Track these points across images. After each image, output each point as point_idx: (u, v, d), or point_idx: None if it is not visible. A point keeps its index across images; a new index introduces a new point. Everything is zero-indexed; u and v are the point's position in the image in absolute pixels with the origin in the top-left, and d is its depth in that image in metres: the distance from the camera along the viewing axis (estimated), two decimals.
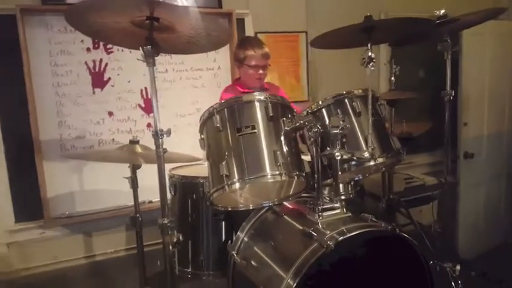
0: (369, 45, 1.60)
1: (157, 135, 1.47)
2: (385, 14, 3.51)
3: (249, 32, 3.08)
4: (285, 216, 1.73)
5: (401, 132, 2.36)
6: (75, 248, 2.77)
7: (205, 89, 3.00)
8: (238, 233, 1.83)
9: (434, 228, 3.47)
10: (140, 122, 2.83)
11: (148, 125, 2.86)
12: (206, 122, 1.70)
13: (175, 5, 1.41)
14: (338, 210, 1.59)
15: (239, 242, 1.79)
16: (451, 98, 1.96)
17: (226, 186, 1.53)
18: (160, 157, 1.48)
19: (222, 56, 3.02)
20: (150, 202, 2.77)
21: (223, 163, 1.55)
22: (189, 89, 2.95)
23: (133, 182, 2.00)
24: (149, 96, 2.83)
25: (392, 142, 1.79)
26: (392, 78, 2.79)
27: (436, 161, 3.86)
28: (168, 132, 1.49)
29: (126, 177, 2.00)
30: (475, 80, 3.40)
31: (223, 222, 2.01)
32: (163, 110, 2.75)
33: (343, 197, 1.75)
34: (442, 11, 1.81)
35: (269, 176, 1.52)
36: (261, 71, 2.40)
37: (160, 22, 1.47)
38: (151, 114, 2.84)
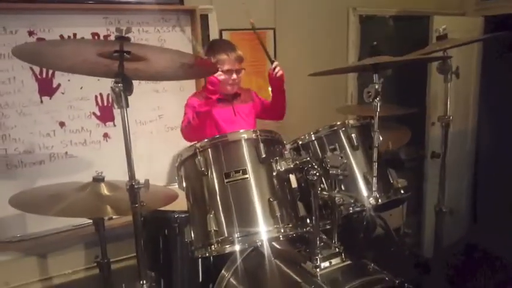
0: (375, 77, 1.41)
1: (132, 189, 1.22)
2: (353, 10, 3.35)
3: (214, 29, 2.82)
4: (276, 260, 1.57)
5: (386, 151, 2.21)
6: (29, 271, 2.48)
7: (167, 93, 2.72)
8: (222, 271, 1.65)
9: (403, 230, 3.50)
10: (96, 132, 2.52)
11: (105, 135, 2.56)
12: (185, 162, 1.48)
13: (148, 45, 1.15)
14: (337, 259, 1.45)
15: (224, 283, 1.62)
16: (449, 123, 1.84)
17: (214, 244, 1.34)
18: (137, 213, 1.24)
19: None
20: (111, 219, 2.51)
21: (211, 215, 1.34)
22: (150, 93, 2.65)
23: (99, 225, 1.70)
24: (105, 103, 2.53)
25: (390, 176, 1.65)
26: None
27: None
28: (146, 186, 1.25)
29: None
30: (442, 80, 3.38)
31: (200, 260, 1.81)
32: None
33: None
34: (443, 27, 1.66)
35: (264, 233, 1.34)
36: (234, 76, 2.20)
37: (132, 54, 1.22)
38: (108, 123, 2.56)
